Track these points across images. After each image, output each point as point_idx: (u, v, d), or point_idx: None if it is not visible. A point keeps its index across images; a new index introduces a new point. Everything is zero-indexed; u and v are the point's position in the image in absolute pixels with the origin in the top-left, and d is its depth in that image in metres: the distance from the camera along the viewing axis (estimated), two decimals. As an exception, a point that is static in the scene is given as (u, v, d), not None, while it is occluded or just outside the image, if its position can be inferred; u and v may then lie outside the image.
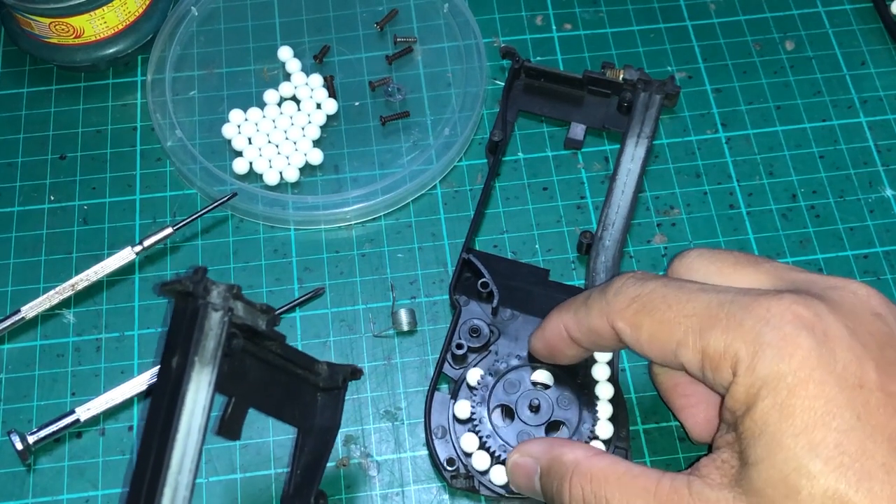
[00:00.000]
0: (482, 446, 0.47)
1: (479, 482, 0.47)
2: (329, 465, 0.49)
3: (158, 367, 0.35)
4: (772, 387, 0.35)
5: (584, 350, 0.43)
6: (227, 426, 0.37)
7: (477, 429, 0.47)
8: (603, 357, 0.49)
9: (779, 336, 0.35)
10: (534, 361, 0.48)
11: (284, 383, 0.41)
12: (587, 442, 0.47)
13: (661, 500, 0.37)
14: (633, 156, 0.55)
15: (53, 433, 0.49)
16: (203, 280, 0.34)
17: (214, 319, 0.35)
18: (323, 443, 0.43)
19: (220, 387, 0.35)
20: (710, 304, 0.37)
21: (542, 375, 0.48)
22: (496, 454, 0.47)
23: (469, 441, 0.47)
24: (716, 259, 0.41)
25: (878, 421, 0.34)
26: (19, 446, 0.48)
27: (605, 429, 0.47)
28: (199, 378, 0.34)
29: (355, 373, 0.44)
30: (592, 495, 0.39)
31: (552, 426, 0.47)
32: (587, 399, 0.48)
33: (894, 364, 0.35)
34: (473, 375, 0.49)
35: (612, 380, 0.49)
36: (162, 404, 0.34)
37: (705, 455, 0.38)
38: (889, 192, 0.57)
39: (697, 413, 0.44)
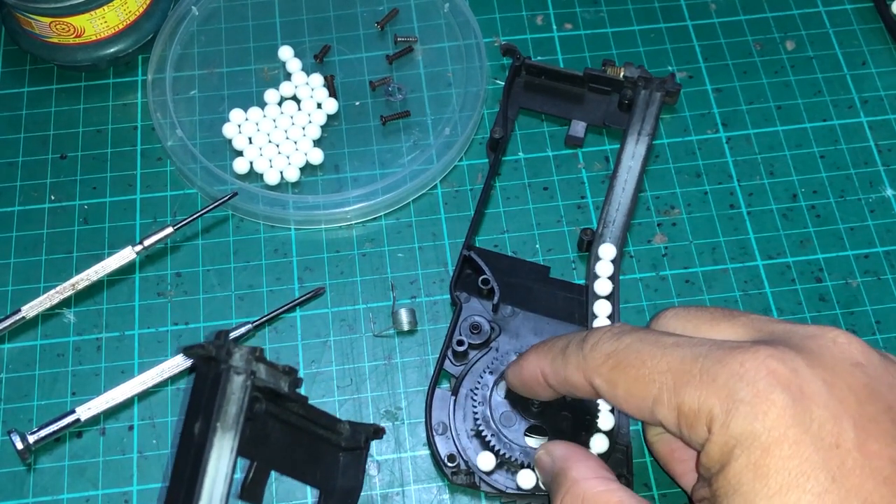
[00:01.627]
0: (487, 446, 0.47)
1: (480, 479, 0.47)
2: (329, 464, 0.49)
3: (181, 430, 0.35)
4: (745, 446, 0.34)
5: (560, 394, 0.43)
6: (250, 490, 0.37)
7: (481, 429, 0.47)
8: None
9: (752, 392, 0.34)
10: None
11: (306, 444, 0.41)
12: (590, 433, 0.47)
13: None
14: (633, 153, 0.55)
15: (54, 433, 0.49)
16: (226, 344, 0.34)
17: (237, 384, 0.34)
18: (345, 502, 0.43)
19: (242, 451, 0.35)
20: (685, 359, 0.36)
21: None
22: (501, 452, 0.46)
23: (485, 459, 0.47)
24: (692, 316, 0.40)
25: (853, 483, 0.33)
26: (20, 446, 0.48)
27: (600, 444, 0.47)
28: (221, 444, 0.34)
29: (377, 432, 0.44)
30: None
31: (543, 431, 0.47)
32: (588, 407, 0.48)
33: (874, 420, 0.34)
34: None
35: None
36: (185, 470, 0.34)
37: None
38: (889, 192, 0.56)
39: (695, 478, 0.43)
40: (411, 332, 0.52)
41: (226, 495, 0.34)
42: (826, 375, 0.34)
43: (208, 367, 0.35)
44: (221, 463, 0.34)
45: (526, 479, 0.46)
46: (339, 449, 0.42)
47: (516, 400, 0.48)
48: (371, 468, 0.49)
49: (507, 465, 0.47)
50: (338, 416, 0.49)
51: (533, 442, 0.47)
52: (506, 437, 0.47)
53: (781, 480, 0.33)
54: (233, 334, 0.51)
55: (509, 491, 0.47)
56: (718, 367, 0.35)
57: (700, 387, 0.35)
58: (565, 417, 0.47)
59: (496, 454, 0.47)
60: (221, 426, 0.34)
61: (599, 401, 0.48)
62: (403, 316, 0.52)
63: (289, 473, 0.40)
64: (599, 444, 0.47)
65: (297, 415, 0.39)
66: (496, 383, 0.48)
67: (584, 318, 0.51)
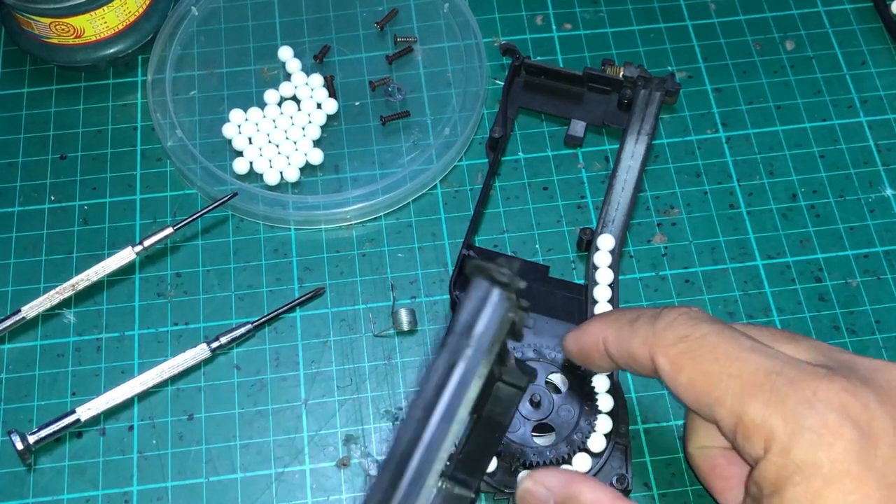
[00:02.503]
0: None
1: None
2: (329, 464, 0.49)
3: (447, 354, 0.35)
4: (806, 474, 0.33)
5: (616, 366, 0.42)
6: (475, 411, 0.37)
7: None
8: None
9: (821, 423, 0.34)
10: (565, 362, 0.48)
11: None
12: (575, 452, 0.47)
13: None
14: (633, 153, 0.55)
15: (54, 433, 0.49)
16: (516, 275, 0.35)
17: (507, 319, 0.35)
18: (491, 436, 0.42)
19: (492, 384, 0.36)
20: (759, 369, 0.36)
21: (558, 378, 0.48)
22: (500, 452, 0.46)
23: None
24: (752, 331, 0.39)
25: None
26: (20, 446, 0.48)
27: (597, 442, 0.47)
28: (480, 371, 0.34)
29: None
30: None
31: (544, 427, 0.47)
32: (588, 409, 0.48)
33: None
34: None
35: (613, 386, 0.49)
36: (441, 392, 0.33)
37: None
38: (889, 192, 0.57)
39: (737, 496, 0.42)
40: (411, 332, 0.52)
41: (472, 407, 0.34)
42: (894, 413, 0.34)
43: (502, 289, 0.35)
44: (474, 388, 0.34)
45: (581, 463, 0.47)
46: (498, 378, 0.41)
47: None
48: (371, 468, 0.49)
49: (502, 460, 0.47)
50: (337, 416, 0.49)
51: (540, 441, 0.47)
52: (506, 436, 0.47)
53: None
54: (231, 335, 0.51)
55: (509, 490, 0.47)
56: (790, 389, 0.35)
57: (768, 403, 0.35)
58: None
59: (497, 454, 0.47)
60: (487, 355, 0.34)
61: (599, 406, 0.48)
62: (403, 316, 0.52)
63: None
64: (597, 445, 0.47)
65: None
66: None
67: (583, 317, 0.51)
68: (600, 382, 0.48)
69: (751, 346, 0.37)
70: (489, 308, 0.34)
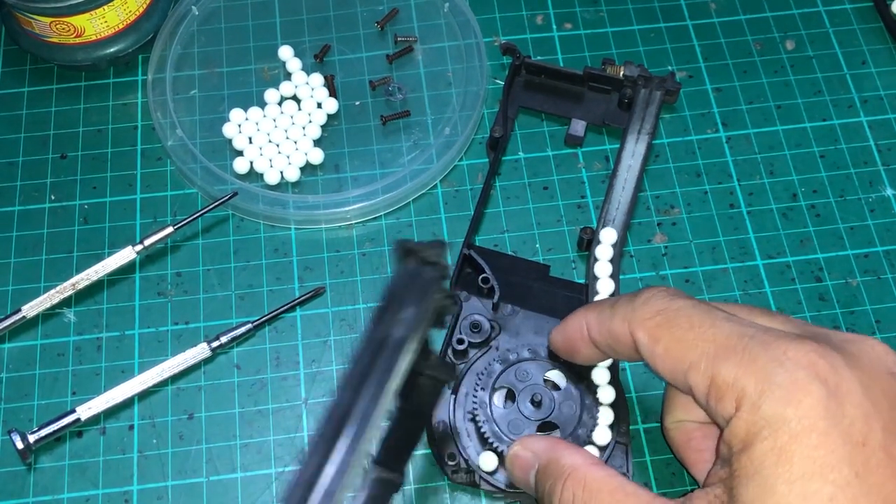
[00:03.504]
0: (487, 444, 0.47)
1: (481, 477, 0.47)
2: (329, 464, 0.49)
3: (377, 314, 0.35)
4: (774, 428, 0.34)
5: (600, 354, 0.43)
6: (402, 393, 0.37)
7: (476, 412, 0.47)
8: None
9: (790, 380, 0.35)
10: (552, 358, 0.48)
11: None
12: (582, 447, 0.47)
13: None
14: (633, 152, 0.55)
15: (54, 432, 0.49)
16: (444, 255, 0.36)
17: (436, 298, 0.36)
18: (415, 425, 0.43)
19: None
20: (731, 334, 0.37)
21: (555, 375, 0.48)
22: (490, 440, 0.47)
23: (488, 459, 0.47)
24: (730, 307, 0.41)
25: (875, 481, 0.34)
26: (20, 445, 0.48)
27: (602, 435, 0.47)
28: (411, 346, 0.35)
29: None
30: (582, 502, 0.39)
31: (547, 426, 0.47)
32: (589, 403, 0.48)
33: None
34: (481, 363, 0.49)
35: (613, 380, 0.49)
36: (382, 348, 0.34)
37: (699, 489, 0.38)
38: (889, 192, 0.57)
39: (709, 468, 0.43)
40: (411, 331, 0.52)
41: (401, 384, 0.35)
42: (863, 377, 0.35)
43: (426, 270, 0.36)
44: (404, 361, 0.34)
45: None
46: (419, 373, 0.42)
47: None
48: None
49: (502, 457, 0.47)
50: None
51: None
52: (506, 434, 0.47)
53: (805, 468, 0.33)
54: (232, 334, 0.51)
55: (510, 490, 0.47)
56: (761, 349, 0.36)
57: (739, 363, 0.36)
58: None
59: (497, 453, 0.47)
60: (417, 329, 0.35)
61: (600, 398, 0.48)
62: (403, 315, 0.52)
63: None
64: (602, 438, 0.47)
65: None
66: (496, 384, 0.48)
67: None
68: (600, 375, 0.48)
69: (724, 316, 0.38)
70: (417, 288, 0.35)
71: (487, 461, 0.47)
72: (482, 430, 0.47)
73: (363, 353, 0.34)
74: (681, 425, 0.45)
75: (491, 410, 0.47)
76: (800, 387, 0.34)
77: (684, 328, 0.38)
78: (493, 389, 0.48)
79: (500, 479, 0.47)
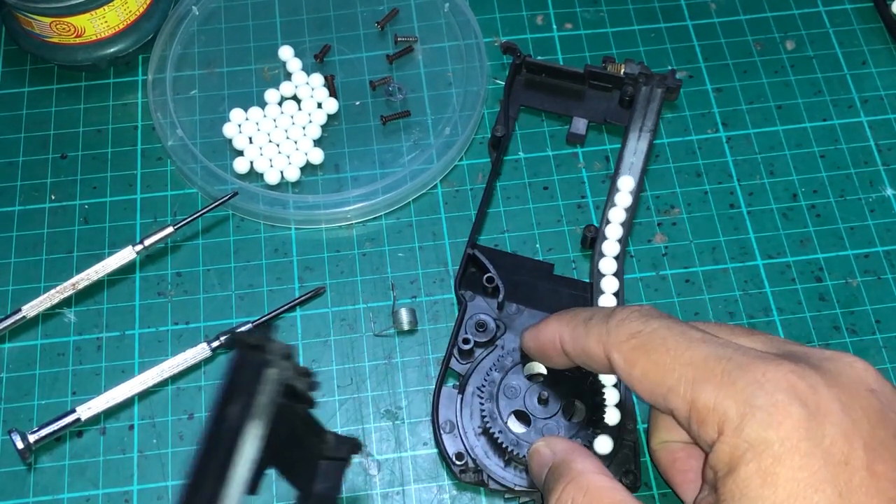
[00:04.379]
0: (496, 444, 0.47)
1: (489, 476, 0.47)
2: (330, 464, 0.49)
3: (213, 414, 0.35)
4: (757, 451, 0.34)
5: (572, 363, 0.43)
6: (253, 482, 0.37)
7: (488, 425, 0.47)
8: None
9: (770, 402, 0.35)
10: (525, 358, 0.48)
11: (296, 445, 0.41)
12: (594, 432, 0.47)
13: None
14: (635, 149, 0.55)
15: (54, 432, 0.49)
16: (270, 335, 0.35)
17: (271, 375, 0.35)
18: None
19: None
20: (708, 357, 0.37)
21: (536, 367, 0.48)
22: (510, 449, 0.46)
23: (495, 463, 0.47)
24: (710, 327, 0.41)
25: (859, 500, 0.34)
26: (20, 445, 0.48)
27: (611, 417, 0.47)
28: (254, 429, 0.34)
29: (356, 447, 0.44)
30: None
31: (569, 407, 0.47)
32: (589, 387, 0.47)
33: (883, 444, 0.35)
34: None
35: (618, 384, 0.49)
36: (217, 451, 0.34)
37: None
38: (889, 192, 0.57)
39: (695, 489, 0.43)
40: (411, 331, 0.52)
41: (250, 480, 0.34)
42: (842, 396, 0.35)
43: (250, 356, 0.35)
44: (251, 447, 0.34)
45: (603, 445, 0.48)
46: (321, 456, 0.43)
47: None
48: (371, 468, 0.49)
49: (515, 462, 0.47)
50: (338, 415, 0.49)
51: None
52: (514, 434, 0.46)
53: (790, 490, 0.34)
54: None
55: (518, 488, 0.47)
56: (739, 372, 0.35)
57: (719, 387, 0.36)
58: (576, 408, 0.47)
59: (506, 451, 0.46)
60: (256, 412, 0.34)
61: (605, 395, 0.48)
62: (404, 316, 0.52)
63: (281, 470, 0.40)
64: (604, 444, 0.47)
65: (299, 416, 0.40)
66: (502, 381, 0.48)
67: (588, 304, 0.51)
68: (607, 377, 0.48)
69: (700, 336, 0.38)
70: (246, 376, 0.35)
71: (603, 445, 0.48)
72: (499, 440, 0.46)
73: (199, 450, 0.33)
74: (665, 446, 0.45)
75: (502, 419, 0.47)
76: (780, 408, 0.34)
77: (660, 351, 0.38)
78: (499, 398, 0.48)
79: (509, 479, 0.47)
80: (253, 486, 0.36)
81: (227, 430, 0.34)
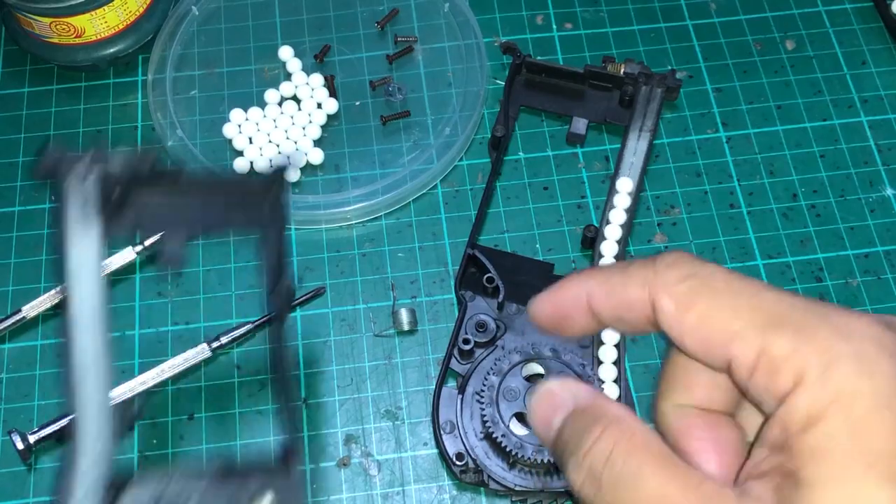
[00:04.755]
0: (496, 445, 0.46)
1: (489, 476, 0.47)
2: (330, 464, 0.49)
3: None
4: (845, 403, 0.31)
5: (596, 325, 0.38)
6: (167, 258, 0.37)
7: (491, 430, 0.47)
8: (609, 358, 0.49)
9: (858, 351, 0.31)
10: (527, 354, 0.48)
11: (216, 203, 0.41)
12: None
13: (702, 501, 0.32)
14: (635, 149, 0.55)
15: (54, 432, 0.49)
16: (63, 159, 0.35)
17: (86, 188, 0.36)
18: (276, 239, 0.42)
19: (113, 232, 0.35)
20: (781, 302, 0.33)
21: (534, 368, 0.48)
22: (510, 450, 0.46)
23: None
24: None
25: None
26: (20, 445, 0.48)
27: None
28: (81, 236, 0.35)
29: (280, 170, 0.42)
30: (621, 459, 0.33)
31: None
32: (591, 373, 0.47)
33: None
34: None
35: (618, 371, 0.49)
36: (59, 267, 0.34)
37: (750, 479, 0.35)
38: (889, 192, 0.56)
39: (711, 460, 0.38)
40: (411, 331, 0.52)
41: (99, 279, 0.35)
42: None
43: (56, 183, 0.36)
44: (86, 252, 0.35)
45: None
46: (253, 194, 0.41)
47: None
48: (371, 468, 0.49)
49: (520, 464, 0.47)
50: (338, 415, 0.49)
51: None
52: (517, 436, 0.46)
53: (882, 446, 0.30)
54: (232, 334, 0.51)
55: (518, 488, 0.47)
56: (819, 320, 0.32)
57: (797, 334, 0.32)
58: None
59: (510, 455, 0.46)
60: (77, 221, 0.35)
61: (605, 391, 0.47)
62: (403, 316, 0.52)
63: (211, 230, 0.41)
64: None
65: (188, 182, 0.39)
66: (501, 384, 0.48)
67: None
68: (606, 373, 0.48)
69: (766, 285, 0.34)
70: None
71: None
72: (503, 444, 0.46)
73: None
74: (680, 410, 0.39)
75: (503, 420, 0.46)
76: (871, 360, 0.31)
77: (725, 294, 0.34)
78: (499, 402, 0.47)
79: (509, 479, 0.47)
80: (167, 261, 0.36)
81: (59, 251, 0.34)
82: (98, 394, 0.35)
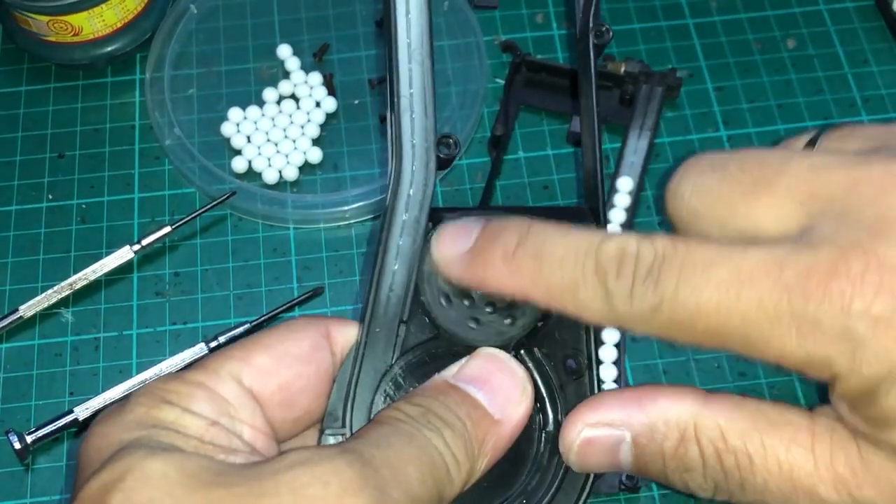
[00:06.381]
0: None
1: None
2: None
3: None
4: (892, 380, 0.28)
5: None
6: None
7: None
8: (609, 357, 0.48)
9: (871, 322, 0.27)
10: None
11: None
12: None
13: (827, 464, 0.29)
14: (636, 148, 0.54)
15: (52, 433, 0.48)
16: None
17: None
18: None
19: None
20: (774, 287, 0.28)
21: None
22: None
23: None
24: (724, 190, 0.32)
25: None
26: (17, 446, 0.47)
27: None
28: None
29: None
30: (732, 454, 0.31)
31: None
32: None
33: None
34: None
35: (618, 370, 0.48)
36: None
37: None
38: (891, 191, 0.56)
39: None
40: (411, 331, 0.52)
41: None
42: None
43: None
44: None
45: None
46: None
47: None
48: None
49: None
50: None
51: None
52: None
53: None
54: (230, 334, 0.51)
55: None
56: (815, 307, 0.28)
57: (803, 335, 0.28)
58: None
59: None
60: None
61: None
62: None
63: None
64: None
65: None
66: None
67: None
68: (606, 373, 0.48)
69: (750, 250, 0.29)
70: None
71: None
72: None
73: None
74: (706, 189, 0.34)
75: None
76: (887, 323, 0.28)
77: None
78: None
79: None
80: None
81: None
82: (421, 119, 0.35)
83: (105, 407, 0.49)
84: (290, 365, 0.33)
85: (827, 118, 0.59)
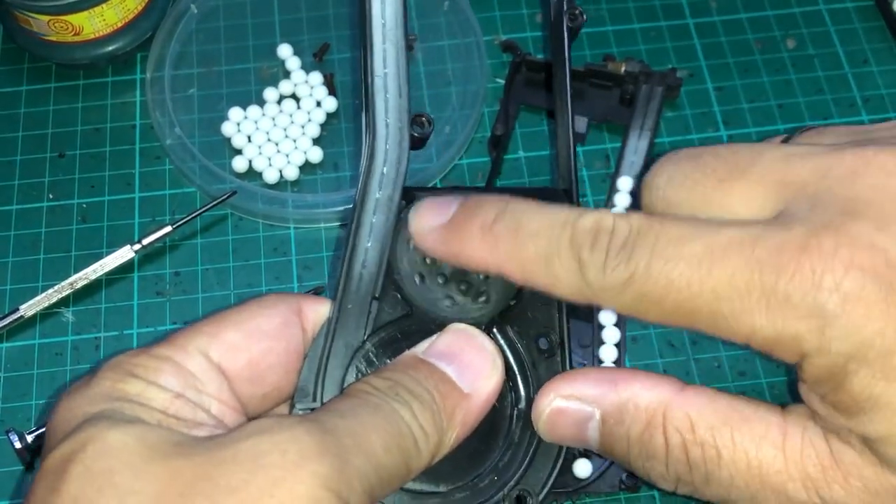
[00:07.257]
0: None
1: None
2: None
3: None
4: (860, 358, 0.28)
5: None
6: None
7: None
8: (609, 357, 0.48)
9: (840, 299, 0.28)
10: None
11: None
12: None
13: (797, 462, 0.30)
14: (636, 148, 0.54)
15: (52, 432, 0.48)
16: None
17: None
18: None
19: None
20: (743, 266, 0.29)
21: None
22: None
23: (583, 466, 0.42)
24: (696, 180, 0.33)
25: None
26: (18, 445, 0.47)
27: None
28: None
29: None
30: (699, 446, 0.31)
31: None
32: None
33: None
34: None
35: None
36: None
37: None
38: (891, 191, 0.56)
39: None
40: (411, 331, 0.52)
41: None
42: None
43: None
44: None
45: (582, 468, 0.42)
46: None
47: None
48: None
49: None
50: None
51: None
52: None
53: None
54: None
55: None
56: (786, 283, 0.28)
57: (772, 312, 0.28)
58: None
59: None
60: None
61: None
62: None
63: None
64: (583, 467, 0.43)
65: None
66: None
67: (589, 314, 0.50)
68: (607, 352, 0.48)
69: (723, 235, 0.30)
70: None
71: (582, 467, 0.42)
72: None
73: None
74: (679, 180, 0.34)
75: None
76: (855, 300, 0.28)
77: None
78: None
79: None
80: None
81: None
82: (395, 99, 0.35)
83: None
84: (259, 340, 0.33)
85: (827, 118, 0.59)
